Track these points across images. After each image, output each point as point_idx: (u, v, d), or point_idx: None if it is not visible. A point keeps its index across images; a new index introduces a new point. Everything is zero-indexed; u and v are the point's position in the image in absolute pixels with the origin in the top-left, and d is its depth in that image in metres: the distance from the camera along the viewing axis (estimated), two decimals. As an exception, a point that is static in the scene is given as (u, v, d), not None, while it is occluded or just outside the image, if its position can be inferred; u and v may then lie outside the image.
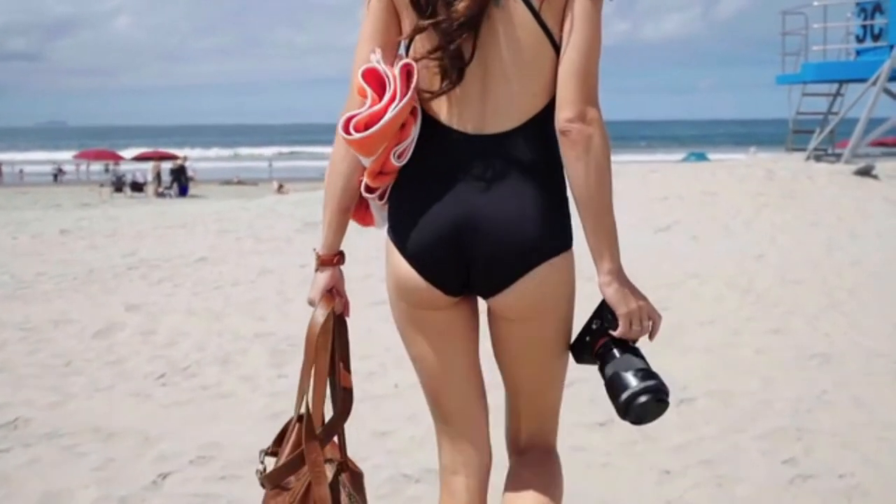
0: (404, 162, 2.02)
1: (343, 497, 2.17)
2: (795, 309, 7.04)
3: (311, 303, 2.20)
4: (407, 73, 1.97)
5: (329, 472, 2.15)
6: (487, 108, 2.00)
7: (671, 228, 12.04)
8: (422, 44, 1.99)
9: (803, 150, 19.87)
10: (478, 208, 1.98)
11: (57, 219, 16.42)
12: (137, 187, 35.46)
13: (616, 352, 1.98)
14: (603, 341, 2.00)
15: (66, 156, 47.93)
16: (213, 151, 72.42)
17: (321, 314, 2.16)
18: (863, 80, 18.71)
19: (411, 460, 3.91)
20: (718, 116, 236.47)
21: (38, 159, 58.26)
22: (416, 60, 1.99)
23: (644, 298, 2.00)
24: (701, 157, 39.56)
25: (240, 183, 40.56)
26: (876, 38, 19.08)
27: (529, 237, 1.98)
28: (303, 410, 2.17)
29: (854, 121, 19.30)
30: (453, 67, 1.96)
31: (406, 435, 4.24)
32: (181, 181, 34.33)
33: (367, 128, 1.93)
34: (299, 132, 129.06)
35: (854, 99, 19.12)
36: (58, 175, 45.31)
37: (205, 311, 7.13)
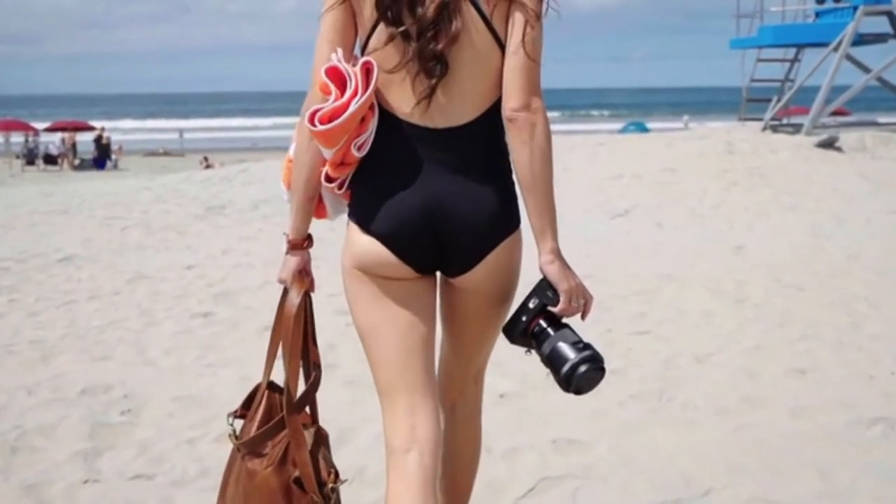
0: (364, 153, 2.14)
1: (321, 460, 2.22)
2: (811, 332, 5.45)
3: (282, 282, 2.33)
4: (366, 70, 2.08)
5: (308, 437, 2.23)
6: (444, 104, 2.12)
7: (630, 213, 10.45)
8: (391, 51, 2.08)
9: (757, 119, 18.60)
10: (445, 195, 2.11)
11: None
12: (51, 160, 32.96)
13: (550, 330, 2.11)
14: (537, 321, 2.12)
15: (-18, 127, 44.42)
16: (140, 122, 69.16)
17: (296, 295, 2.28)
18: (822, 45, 17.37)
19: None
20: (653, 85, 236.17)
21: (-46, 130, 54.31)
22: (390, 71, 2.10)
23: (577, 277, 2.15)
24: (641, 126, 37.82)
25: (166, 154, 38.35)
26: (837, -2, 17.66)
27: (492, 222, 2.15)
28: (271, 380, 2.33)
29: (809, 89, 17.99)
30: (432, 74, 2.07)
31: None
32: (98, 154, 32.07)
33: (330, 121, 2.06)
34: (230, 101, 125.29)
35: (813, 65, 17.80)
36: (-30, 148, 42.05)
37: (30, 345, 5.27)
